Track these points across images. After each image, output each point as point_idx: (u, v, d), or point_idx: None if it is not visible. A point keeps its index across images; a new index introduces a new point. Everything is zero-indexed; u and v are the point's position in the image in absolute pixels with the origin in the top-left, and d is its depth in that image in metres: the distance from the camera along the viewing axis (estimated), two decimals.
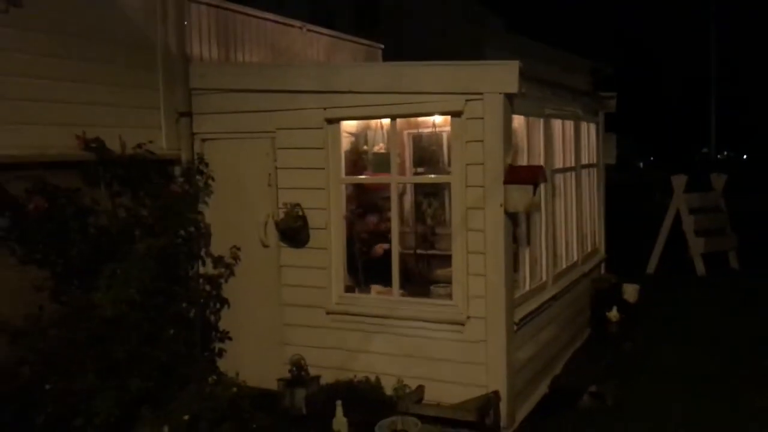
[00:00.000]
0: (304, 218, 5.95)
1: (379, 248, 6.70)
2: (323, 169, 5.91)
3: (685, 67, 33.93)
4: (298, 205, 5.96)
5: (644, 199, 15.27)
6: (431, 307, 5.65)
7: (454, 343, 5.46)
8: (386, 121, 6.19)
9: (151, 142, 5.86)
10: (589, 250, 8.32)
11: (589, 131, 8.41)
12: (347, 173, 6.33)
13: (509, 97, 5.26)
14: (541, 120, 6.43)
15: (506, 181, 5.20)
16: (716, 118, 28.43)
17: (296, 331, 6.11)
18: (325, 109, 5.83)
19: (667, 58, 35.25)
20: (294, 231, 5.94)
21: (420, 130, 7.58)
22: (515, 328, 5.48)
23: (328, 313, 5.96)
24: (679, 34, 34.05)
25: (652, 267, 11.91)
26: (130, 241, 5.41)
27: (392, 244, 5.81)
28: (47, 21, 5.28)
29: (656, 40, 34.92)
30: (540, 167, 5.73)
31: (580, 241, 7.79)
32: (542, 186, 5.83)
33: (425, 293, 5.97)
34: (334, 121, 5.87)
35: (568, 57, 16.25)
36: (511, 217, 5.39)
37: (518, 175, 5.24)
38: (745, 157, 41.32)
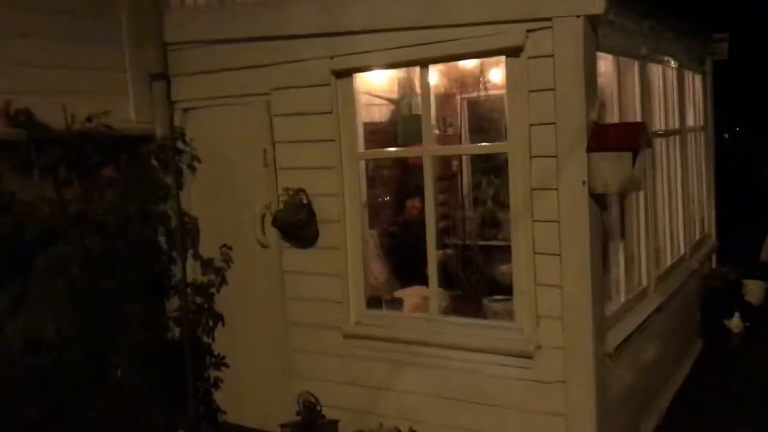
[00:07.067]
0: (309, 208, 4.41)
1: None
2: (333, 141, 4.34)
3: None
4: (301, 190, 4.43)
5: (748, 171, 13.07)
6: (484, 330, 4.02)
7: (518, 382, 3.82)
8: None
9: (106, 112, 4.42)
10: (698, 238, 6.47)
11: (694, 83, 6.54)
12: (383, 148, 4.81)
13: (592, 23, 3.55)
14: (636, 63, 4.65)
15: (591, 148, 3.51)
16: None
17: (306, 359, 4.61)
18: (331, 58, 4.26)
19: None
20: (296, 226, 4.40)
21: (478, 94, 5.95)
22: (607, 360, 3.79)
23: (345, 336, 4.42)
24: None
25: (766, 254, 9.84)
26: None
27: (427, 240, 4.18)
28: None
29: None
30: (642, 125, 3.99)
31: (687, 228, 5.97)
32: (645, 154, 4.04)
33: (477, 309, 4.34)
34: (345, 74, 4.28)
35: None
36: (599, 201, 3.69)
37: (609, 137, 3.53)
38: None
